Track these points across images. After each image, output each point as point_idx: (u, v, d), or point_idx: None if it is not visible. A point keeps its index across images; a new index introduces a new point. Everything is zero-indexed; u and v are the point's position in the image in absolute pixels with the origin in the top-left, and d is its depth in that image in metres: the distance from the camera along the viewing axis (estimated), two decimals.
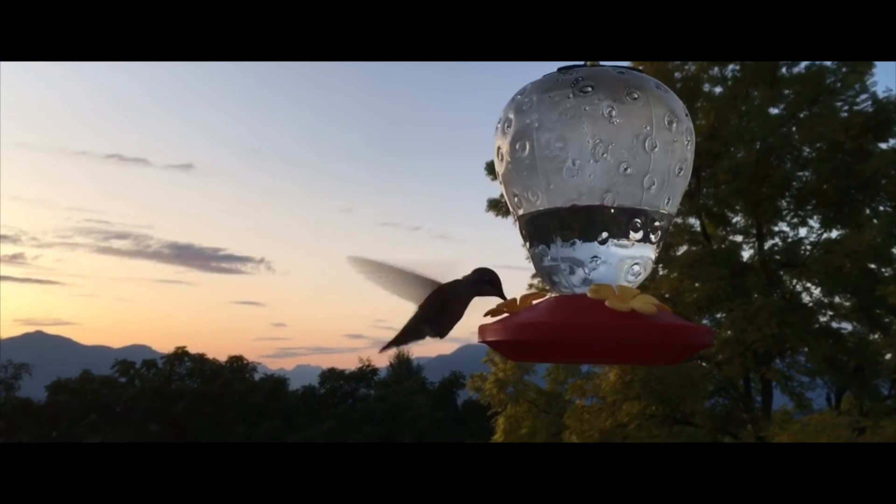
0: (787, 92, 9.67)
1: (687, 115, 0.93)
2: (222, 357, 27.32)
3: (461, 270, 1.22)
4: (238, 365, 28.25)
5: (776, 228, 10.07)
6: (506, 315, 0.95)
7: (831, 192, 9.29)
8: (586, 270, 0.91)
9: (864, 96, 9.16)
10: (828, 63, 9.34)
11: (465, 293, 1.13)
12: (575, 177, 0.89)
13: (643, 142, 0.88)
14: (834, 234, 9.73)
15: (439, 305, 1.20)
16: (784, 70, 9.82)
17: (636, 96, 0.88)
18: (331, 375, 29.69)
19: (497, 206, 10.88)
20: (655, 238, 0.92)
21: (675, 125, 0.90)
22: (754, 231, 10.11)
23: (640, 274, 0.93)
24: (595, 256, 0.90)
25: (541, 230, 0.94)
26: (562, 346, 0.87)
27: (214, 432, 22.43)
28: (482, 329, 0.92)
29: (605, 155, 0.88)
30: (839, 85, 9.36)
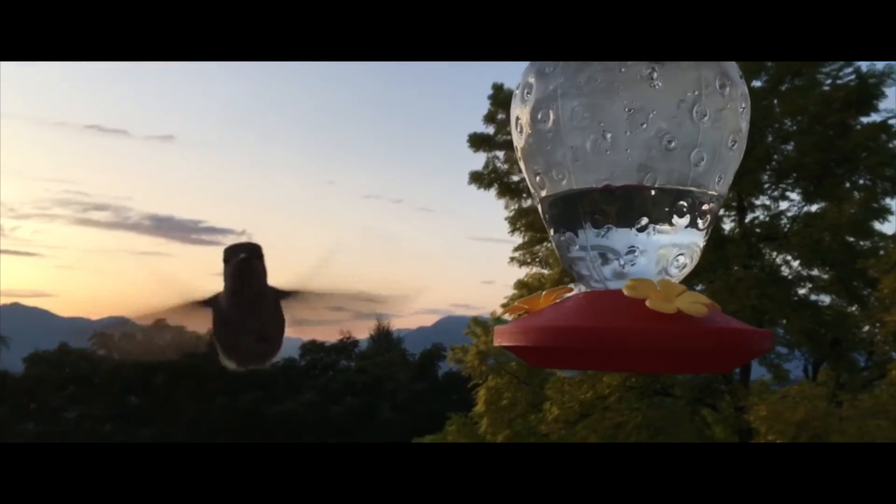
0: (769, 64, 9.59)
1: (741, 78, 0.78)
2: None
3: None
4: None
5: (757, 202, 10.04)
6: (526, 315, 0.81)
7: (812, 165, 9.26)
8: (621, 262, 0.77)
9: (847, 70, 9.09)
10: None
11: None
12: (608, 152, 0.74)
13: (690, 109, 0.73)
14: (814, 207, 9.75)
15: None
16: None
17: None
18: (311, 347, 29.58)
19: (479, 179, 10.81)
20: (704, 223, 0.78)
21: (727, 89, 0.75)
22: (735, 204, 10.08)
23: (685, 266, 0.79)
24: (632, 246, 0.76)
25: (567, 214, 0.79)
26: (593, 353, 0.72)
27: (194, 404, 22.31)
28: (499, 332, 0.78)
29: (644, 125, 0.73)
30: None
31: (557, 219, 0.82)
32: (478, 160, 10.92)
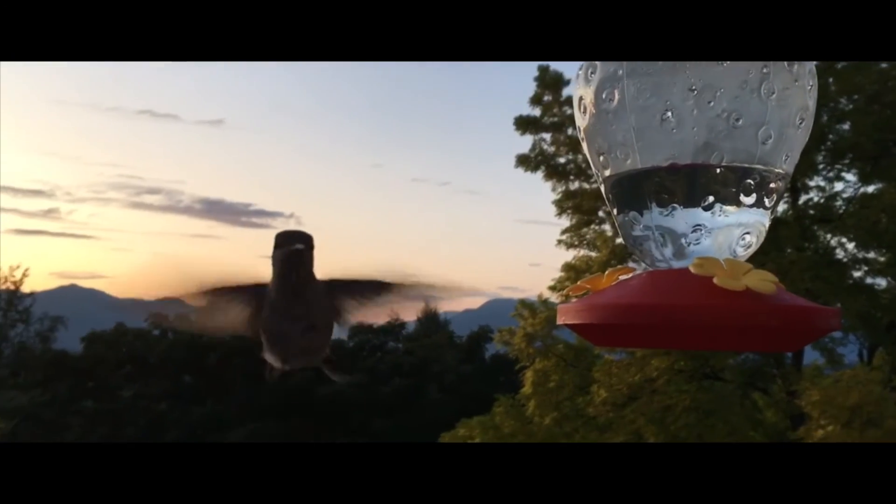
0: None
1: None
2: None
3: None
4: None
5: (811, 183, 9.82)
6: (590, 293, 0.81)
7: (869, 145, 9.02)
8: (687, 241, 0.76)
9: None
10: None
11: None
12: (674, 130, 0.73)
13: (758, 87, 0.72)
14: (871, 188, 9.52)
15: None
16: None
17: None
18: (359, 329, 29.87)
19: (526, 162, 10.76)
20: (770, 202, 0.77)
21: (796, 66, 0.74)
22: (789, 185, 9.88)
23: (751, 245, 0.78)
24: (698, 224, 0.75)
25: (632, 194, 0.79)
26: (661, 331, 0.73)
27: (246, 383, 22.74)
28: (563, 310, 0.78)
29: (710, 103, 0.72)
30: None
31: (621, 198, 0.81)
32: (524, 143, 10.85)
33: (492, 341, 27.86)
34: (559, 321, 0.79)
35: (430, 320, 32.15)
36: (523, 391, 10.27)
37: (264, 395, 22.54)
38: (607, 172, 0.81)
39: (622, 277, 0.83)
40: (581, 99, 0.81)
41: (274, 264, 1.15)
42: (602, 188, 0.84)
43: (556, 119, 10.70)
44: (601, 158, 0.81)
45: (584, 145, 0.84)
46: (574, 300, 0.81)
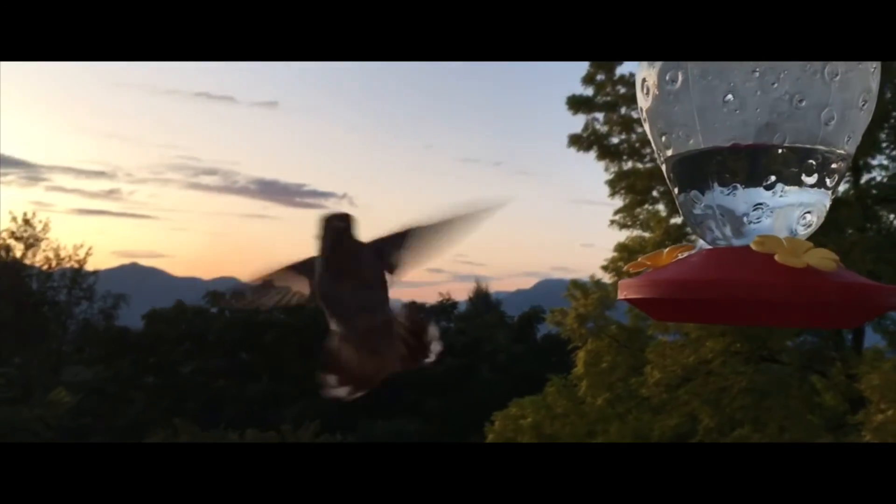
0: None
1: None
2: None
3: None
4: None
5: (874, 162, 9.54)
6: (651, 270, 0.83)
7: None
8: (747, 220, 0.78)
9: None
10: None
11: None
12: (738, 111, 0.75)
13: (821, 69, 0.73)
14: None
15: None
16: None
17: None
18: (412, 308, 30.15)
19: (578, 142, 10.66)
20: (831, 182, 0.78)
21: None
22: (850, 165, 9.62)
23: (811, 224, 0.79)
24: (759, 204, 0.77)
25: (694, 174, 0.80)
26: (722, 307, 0.74)
27: (300, 361, 23.15)
28: (625, 285, 0.80)
29: (774, 85, 0.74)
30: None
31: (682, 178, 0.83)
32: (577, 122, 10.78)
33: (543, 322, 27.88)
34: (620, 296, 0.81)
35: (482, 300, 32.27)
36: (575, 372, 10.25)
37: (317, 373, 22.93)
38: (669, 152, 0.82)
39: (682, 254, 0.84)
40: (644, 81, 0.83)
41: (318, 245, 1.20)
42: (663, 168, 0.86)
43: (609, 98, 10.58)
44: (663, 139, 0.83)
45: (646, 126, 0.85)
46: (638, 277, 0.83)
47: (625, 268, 0.86)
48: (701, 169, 0.80)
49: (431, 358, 1.30)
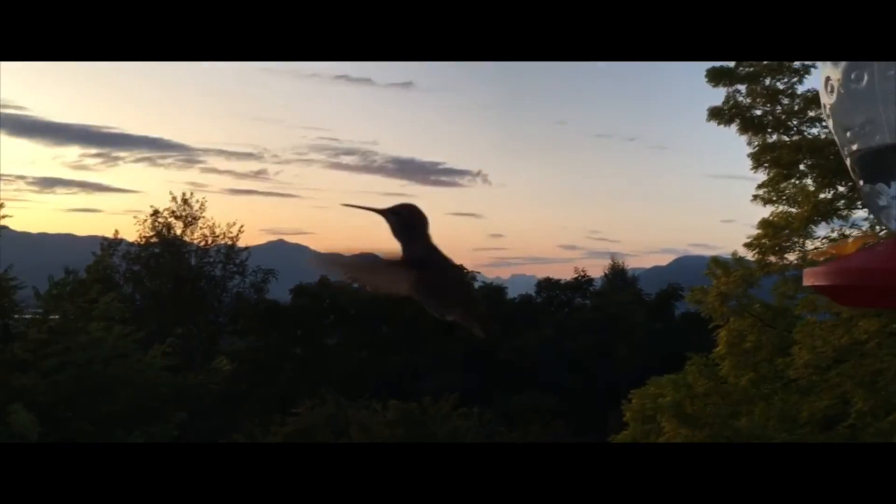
0: None
1: None
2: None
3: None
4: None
5: None
6: (838, 258, 0.89)
7: None
8: None
9: None
10: None
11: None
12: None
13: None
14: None
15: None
16: None
17: None
18: (547, 285, 30.17)
19: (719, 115, 10.29)
20: None
21: None
22: None
23: None
24: None
25: (878, 167, 0.85)
26: None
27: (438, 335, 23.64)
28: (811, 273, 0.86)
29: None
30: None
31: (867, 170, 0.87)
32: (716, 95, 10.40)
33: (681, 299, 27.20)
34: (806, 282, 0.88)
35: (618, 277, 31.78)
36: (717, 351, 10.02)
37: (454, 347, 23.42)
38: (854, 147, 0.87)
39: (868, 244, 0.91)
40: (828, 79, 0.88)
41: (393, 233, 1.33)
42: (847, 161, 0.91)
43: (752, 69, 10.18)
44: (848, 134, 0.87)
45: (830, 122, 0.91)
46: (825, 265, 0.88)
47: (810, 256, 0.95)
48: (886, 163, 0.84)
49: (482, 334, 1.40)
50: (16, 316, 7.53)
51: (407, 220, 1.31)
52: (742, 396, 9.70)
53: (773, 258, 9.89)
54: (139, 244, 24.91)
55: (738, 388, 9.71)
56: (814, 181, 9.81)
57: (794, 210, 10.04)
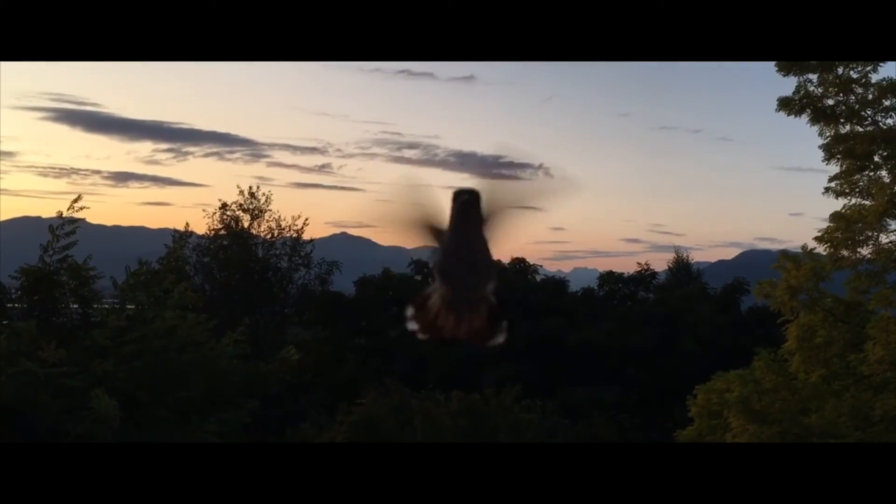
0: None
1: None
2: (506, 259, 29.16)
3: None
4: (520, 266, 29.77)
5: None
6: None
7: None
8: None
9: None
10: None
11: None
12: None
13: None
14: None
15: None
16: None
17: None
18: (609, 278, 29.90)
19: (789, 105, 10.06)
20: None
21: None
22: None
23: None
24: None
25: None
26: None
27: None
28: None
29: None
30: None
31: None
32: (786, 84, 10.15)
33: (747, 293, 26.62)
34: None
35: (682, 271, 31.29)
36: (786, 346, 9.85)
37: (518, 341, 23.43)
38: None
39: None
40: None
41: (451, 215, 1.40)
42: None
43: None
44: None
45: None
46: None
47: None
48: None
49: (498, 340, 1.46)
50: (95, 305, 7.84)
51: (469, 202, 1.38)
52: (812, 392, 9.52)
53: (845, 252, 9.67)
54: (208, 236, 25.57)
55: (809, 384, 9.53)
56: (889, 173, 9.56)
57: (867, 203, 9.78)
